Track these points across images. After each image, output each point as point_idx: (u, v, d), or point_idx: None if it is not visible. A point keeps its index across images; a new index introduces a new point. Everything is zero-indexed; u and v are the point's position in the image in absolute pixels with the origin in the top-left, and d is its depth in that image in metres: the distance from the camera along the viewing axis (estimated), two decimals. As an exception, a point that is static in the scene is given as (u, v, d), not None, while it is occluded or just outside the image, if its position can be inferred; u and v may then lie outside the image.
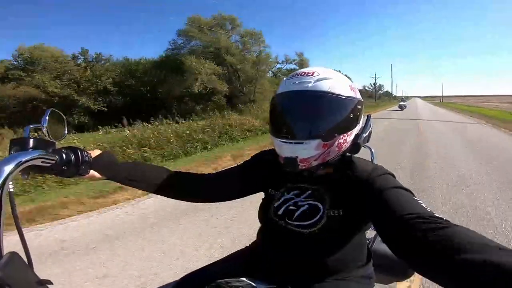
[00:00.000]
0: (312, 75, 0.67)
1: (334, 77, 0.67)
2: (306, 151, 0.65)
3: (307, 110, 0.66)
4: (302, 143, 0.65)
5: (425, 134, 9.45)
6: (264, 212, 0.76)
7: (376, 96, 59.31)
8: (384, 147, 6.76)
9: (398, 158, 5.59)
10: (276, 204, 0.74)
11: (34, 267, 0.49)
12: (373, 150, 1.20)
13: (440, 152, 6.16)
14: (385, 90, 77.97)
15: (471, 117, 18.03)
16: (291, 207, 0.71)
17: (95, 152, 0.72)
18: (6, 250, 0.44)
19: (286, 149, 0.67)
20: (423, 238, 0.44)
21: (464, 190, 3.64)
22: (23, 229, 0.50)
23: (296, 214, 0.69)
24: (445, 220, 0.46)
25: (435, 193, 3.54)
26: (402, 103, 31.27)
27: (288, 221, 0.70)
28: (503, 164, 4.99)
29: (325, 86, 0.65)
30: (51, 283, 0.47)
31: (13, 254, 0.43)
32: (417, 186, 3.76)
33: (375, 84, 65.77)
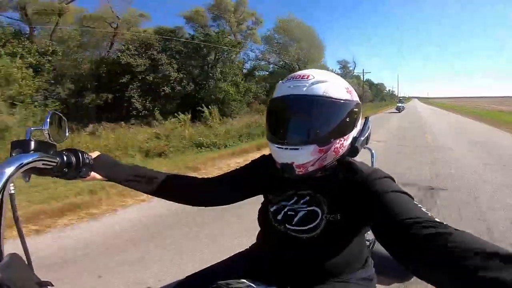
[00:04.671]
0: (307, 78, 0.65)
1: (330, 80, 0.66)
2: (302, 157, 0.65)
3: (301, 115, 0.66)
4: (298, 148, 0.64)
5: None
6: (264, 216, 0.76)
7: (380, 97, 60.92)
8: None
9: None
10: (273, 209, 0.73)
11: (34, 269, 0.49)
12: (373, 152, 1.19)
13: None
14: (389, 92, 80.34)
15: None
16: (289, 213, 0.71)
17: (95, 154, 0.73)
18: (6, 251, 0.44)
19: (282, 155, 0.67)
20: (422, 243, 0.43)
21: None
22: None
23: (295, 219, 0.69)
24: (445, 224, 0.46)
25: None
26: (399, 104, 29.66)
27: (288, 226, 0.69)
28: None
29: (320, 89, 0.63)
30: (51, 284, 0.47)
31: (14, 255, 0.43)
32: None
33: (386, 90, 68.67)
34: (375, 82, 59.01)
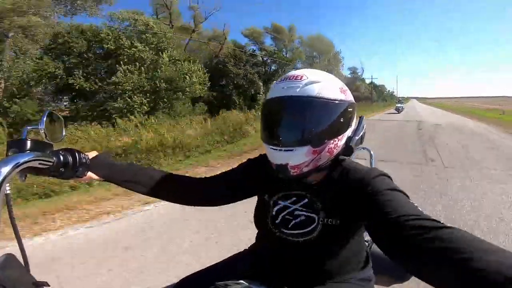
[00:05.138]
0: (300, 79, 0.64)
1: (323, 80, 0.65)
2: (296, 158, 0.64)
3: (295, 116, 0.65)
4: (292, 150, 0.64)
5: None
6: (260, 218, 0.75)
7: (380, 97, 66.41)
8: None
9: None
10: (273, 213, 0.73)
11: (30, 269, 0.49)
12: (372, 153, 1.17)
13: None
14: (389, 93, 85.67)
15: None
16: (287, 217, 0.70)
17: (92, 154, 0.72)
18: (2, 251, 0.44)
19: (276, 156, 0.66)
20: (417, 241, 0.43)
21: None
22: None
23: (292, 223, 0.69)
24: (440, 222, 0.45)
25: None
26: (398, 104, 28.33)
27: (284, 230, 0.69)
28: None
29: (313, 90, 0.63)
30: (47, 285, 0.47)
31: (9, 256, 0.43)
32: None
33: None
34: (377, 84, 64.97)
